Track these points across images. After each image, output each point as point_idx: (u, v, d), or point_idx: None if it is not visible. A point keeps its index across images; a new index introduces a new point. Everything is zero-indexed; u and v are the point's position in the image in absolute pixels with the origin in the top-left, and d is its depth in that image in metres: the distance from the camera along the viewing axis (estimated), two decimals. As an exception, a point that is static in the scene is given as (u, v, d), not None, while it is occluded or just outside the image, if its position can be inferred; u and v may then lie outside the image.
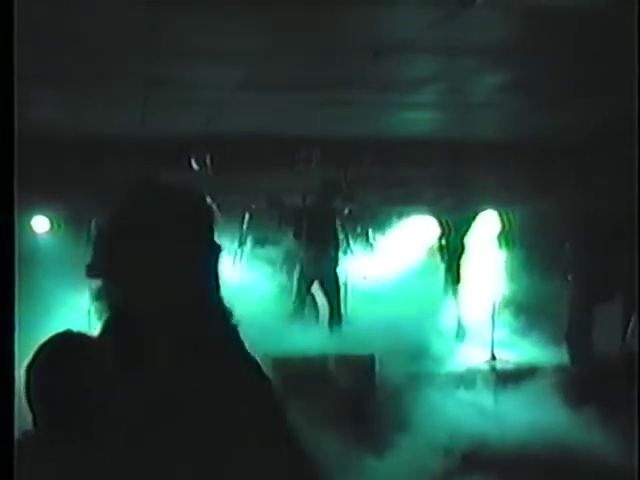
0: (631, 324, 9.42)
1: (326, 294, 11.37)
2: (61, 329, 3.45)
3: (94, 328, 3.54)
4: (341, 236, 11.68)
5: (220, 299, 2.41)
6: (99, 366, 3.00)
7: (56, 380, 3.04)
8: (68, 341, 3.13)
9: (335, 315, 11.31)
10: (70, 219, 11.01)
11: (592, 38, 5.87)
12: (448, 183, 11.58)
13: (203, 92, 8.27)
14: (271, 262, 11.59)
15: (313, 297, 11.36)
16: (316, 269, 11.22)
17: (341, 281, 11.50)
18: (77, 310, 10.05)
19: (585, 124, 8.99)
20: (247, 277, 11.58)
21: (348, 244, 11.73)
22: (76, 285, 10.46)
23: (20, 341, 4.13)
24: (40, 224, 11.05)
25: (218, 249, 2.40)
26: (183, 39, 6.32)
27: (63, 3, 5.35)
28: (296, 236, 11.27)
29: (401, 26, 6.20)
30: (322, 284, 11.36)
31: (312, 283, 11.40)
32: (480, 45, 6.63)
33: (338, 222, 11.66)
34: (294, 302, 11.28)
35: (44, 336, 3.34)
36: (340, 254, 11.54)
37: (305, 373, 9.37)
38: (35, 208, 10.91)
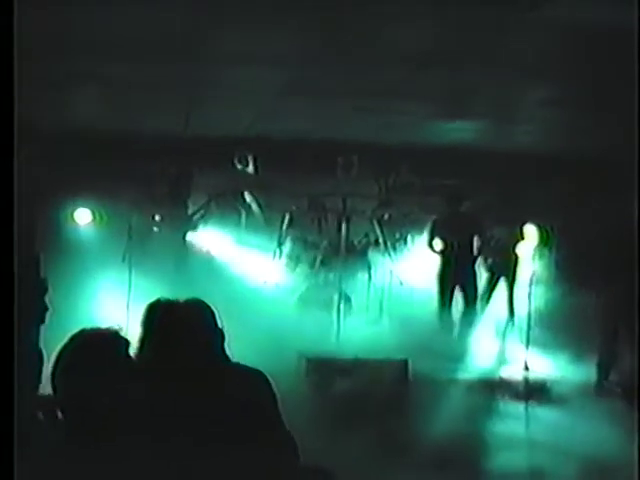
0: None
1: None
2: (94, 322, 3.54)
3: (132, 320, 3.66)
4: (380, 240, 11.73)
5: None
6: (118, 368, 3.14)
7: (74, 380, 3.09)
8: (88, 342, 3.18)
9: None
10: (112, 212, 11.15)
11: (634, 56, 5.86)
12: (486, 194, 11.58)
13: (248, 94, 8.37)
14: (309, 263, 11.66)
15: (346, 294, 11.38)
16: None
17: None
18: (116, 301, 10.27)
19: (628, 141, 8.93)
20: (284, 277, 11.67)
21: (386, 249, 11.77)
22: (115, 276, 10.67)
23: (59, 327, 4.22)
24: (83, 216, 11.19)
25: (221, 334, 3.35)
26: (230, 42, 6.42)
27: (111, 6, 5.45)
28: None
29: (446, 37, 6.23)
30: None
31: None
32: (523, 60, 6.66)
33: (378, 227, 11.72)
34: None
35: (82, 323, 3.41)
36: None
37: (338, 375, 9.43)
38: (79, 201, 11.07)
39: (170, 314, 3.31)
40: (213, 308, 3.40)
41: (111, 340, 3.18)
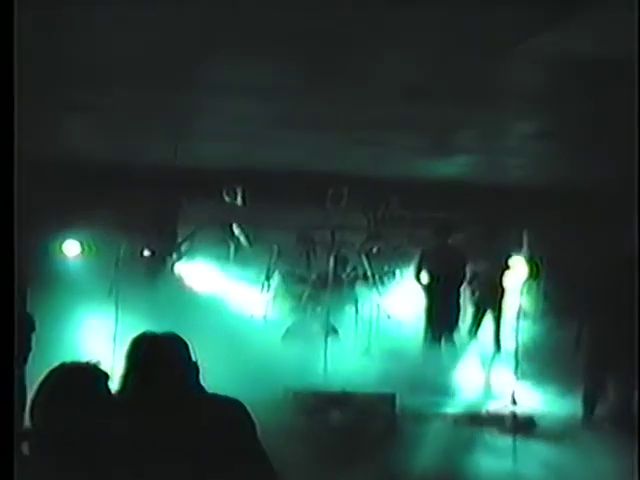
0: None
1: None
2: (79, 356, 3.55)
3: (118, 352, 3.66)
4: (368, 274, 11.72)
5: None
6: (96, 402, 3.16)
7: (52, 414, 3.13)
8: (66, 376, 3.22)
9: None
10: (101, 244, 11.12)
11: (625, 89, 5.89)
12: (477, 227, 11.60)
13: (237, 126, 8.39)
14: (297, 297, 11.62)
15: (334, 328, 11.35)
16: None
17: None
18: (102, 333, 10.21)
19: (617, 174, 8.98)
20: (272, 310, 11.63)
21: (374, 282, 11.75)
22: (102, 308, 10.62)
23: (43, 361, 4.20)
24: (71, 248, 11.15)
25: (196, 367, 3.39)
26: (220, 73, 6.44)
27: (99, 35, 5.46)
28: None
29: (437, 71, 6.26)
30: None
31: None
32: (515, 93, 6.70)
33: (366, 261, 11.70)
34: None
35: (66, 357, 3.42)
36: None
37: (325, 409, 9.37)
38: (66, 232, 11.04)
39: (146, 348, 3.38)
40: (187, 341, 3.46)
41: (90, 374, 3.23)
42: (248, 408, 3.42)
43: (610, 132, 7.64)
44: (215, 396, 3.40)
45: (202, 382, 3.43)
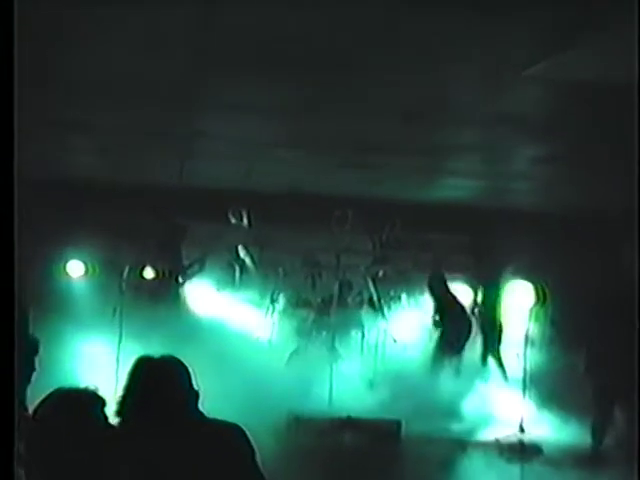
0: None
1: None
2: (78, 378, 3.52)
3: (121, 374, 3.62)
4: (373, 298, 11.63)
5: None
6: (89, 429, 3.07)
7: (46, 440, 3.06)
8: (62, 402, 3.14)
9: None
10: (105, 265, 11.07)
11: (629, 114, 5.83)
12: (481, 251, 11.51)
13: (243, 147, 8.35)
14: (302, 320, 11.52)
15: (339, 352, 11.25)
16: None
17: None
18: (105, 354, 10.14)
19: (620, 198, 8.91)
20: (277, 334, 11.53)
21: (380, 307, 11.66)
22: (106, 330, 10.55)
23: (46, 382, 4.13)
24: (75, 268, 11.11)
25: (195, 392, 3.35)
26: (225, 95, 6.40)
27: (104, 55, 5.42)
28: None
29: (443, 93, 6.22)
30: None
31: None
32: (519, 117, 6.64)
33: (372, 285, 11.62)
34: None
35: (70, 378, 3.39)
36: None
37: (329, 435, 9.27)
38: (71, 253, 10.99)
39: (144, 372, 3.35)
40: (188, 365, 3.43)
41: (86, 400, 3.15)
42: (248, 433, 3.37)
43: (615, 156, 7.57)
44: (215, 421, 3.36)
45: (202, 407, 3.38)
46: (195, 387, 3.37)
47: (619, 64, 5.00)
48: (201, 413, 3.35)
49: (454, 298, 11.62)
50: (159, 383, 3.30)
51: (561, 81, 5.43)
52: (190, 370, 3.40)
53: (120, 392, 3.32)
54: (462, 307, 11.68)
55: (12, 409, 2.89)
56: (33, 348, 7.35)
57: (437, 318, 11.56)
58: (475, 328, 11.74)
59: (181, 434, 3.23)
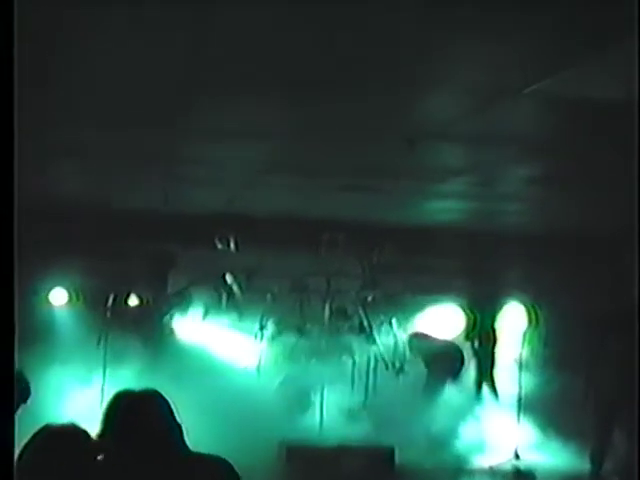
0: None
1: None
2: (62, 411, 3.46)
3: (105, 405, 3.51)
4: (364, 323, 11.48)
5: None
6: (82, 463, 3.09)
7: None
8: (53, 438, 3.17)
9: None
10: (89, 293, 10.92)
11: (624, 132, 5.72)
12: (473, 274, 11.37)
13: (228, 171, 8.21)
14: (291, 347, 11.35)
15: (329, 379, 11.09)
16: None
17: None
18: (90, 385, 9.97)
19: (616, 218, 8.81)
20: (265, 361, 11.34)
21: (371, 332, 11.50)
22: (90, 360, 10.38)
23: (29, 416, 4.03)
24: (58, 297, 10.93)
25: (178, 425, 3.29)
26: (208, 118, 6.26)
27: (86, 78, 5.28)
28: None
29: (432, 115, 6.10)
30: None
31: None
32: (511, 137, 6.52)
33: (362, 310, 11.47)
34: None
35: (53, 413, 3.35)
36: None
37: (321, 463, 9.12)
38: (53, 281, 10.81)
39: (125, 408, 3.27)
40: (168, 399, 3.37)
41: (73, 437, 3.20)
42: (235, 467, 3.32)
43: (613, 176, 7.47)
44: (200, 455, 3.30)
45: (188, 439, 3.31)
46: (178, 420, 3.31)
47: (619, 82, 4.88)
48: (186, 447, 3.28)
49: (439, 342, 11.54)
50: (139, 418, 3.23)
51: (559, 99, 5.29)
52: (171, 403, 3.34)
53: (99, 428, 3.25)
54: (451, 344, 11.58)
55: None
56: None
57: (426, 363, 11.48)
58: (468, 356, 11.60)
59: (165, 469, 3.16)
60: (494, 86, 5.14)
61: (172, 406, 3.32)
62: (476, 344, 11.61)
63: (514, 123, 6.20)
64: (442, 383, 11.21)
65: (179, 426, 3.29)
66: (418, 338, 11.47)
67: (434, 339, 11.52)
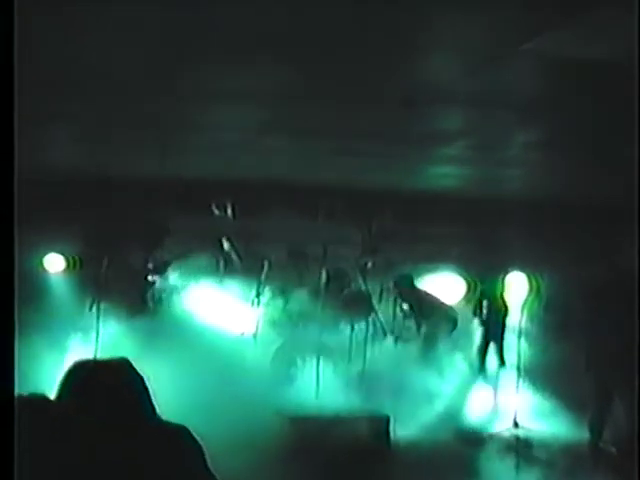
0: None
1: None
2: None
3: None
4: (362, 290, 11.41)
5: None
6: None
7: None
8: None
9: None
10: (86, 258, 10.84)
11: (629, 96, 5.58)
12: (474, 242, 11.25)
13: (224, 135, 8.06)
14: (288, 314, 11.28)
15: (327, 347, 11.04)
16: None
17: None
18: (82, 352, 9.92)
19: (619, 185, 8.69)
20: (262, 328, 11.28)
21: (369, 299, 11.42)
22: (83, 325, 10.33)
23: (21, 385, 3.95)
24: (56, 263, 10.85)
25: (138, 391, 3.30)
26: (203, 81, 6.12)
27: (80, 44, 5.14)
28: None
29: (431, 76, 5.95)
30: None
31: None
32: (513, 100, 6.37)
33: (360, 276, 11.40)
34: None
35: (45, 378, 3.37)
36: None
37: (316, 432, 9.07)
38: (52, 246, 10.71)
39: (87, 375, 3.30)
40: (133, 366, 3.38)
41: (39, 403, 3.20)
42: (194, 434, 3.31)
43: (613, 142, 7.34)
44: (159, 422, 3.31)
45: (156, 409, 3.34)
46: (145, 388, 3.33)
47: (620, 42, 4.74)
48: (152, 416, 3.31)
49: (427, 295, 11.48)
50: (99, 384, 3.26)
51: (559, 60, 5.14)
52: (140, 372, 3.35)
53: (56, 392, 3.27)
54: (446, 304, 11.51)
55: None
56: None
57: (416, 316, 11.41)
58: (468, 323, 11.54)
59: (121, 436, 3.17)
60: (492, 47, 5.00)
61: (139, 375, 3.34)
62: (476, 312, 11.53)
63: (514, 85, 6.05)
64: (434, 341, 11.17)
65: (139, 392, 3.31)
66: (405, 281, 11.38)
67: (429, 294, 11.47)
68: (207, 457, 3.33)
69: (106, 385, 3.24)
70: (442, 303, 11.51)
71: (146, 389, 3.33)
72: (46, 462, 3.04)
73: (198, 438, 3.32)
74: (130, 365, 3.35)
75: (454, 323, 11.41)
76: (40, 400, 3.20)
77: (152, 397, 3.33)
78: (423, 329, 11.34)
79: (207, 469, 3.32)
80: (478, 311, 11.45)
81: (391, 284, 11.60)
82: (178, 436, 3.30)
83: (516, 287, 11.02)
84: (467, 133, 7.70)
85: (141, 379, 3.33)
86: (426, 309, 11.37)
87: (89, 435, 3.14)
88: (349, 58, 5.39)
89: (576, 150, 7.95)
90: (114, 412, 3.19)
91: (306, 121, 7.46)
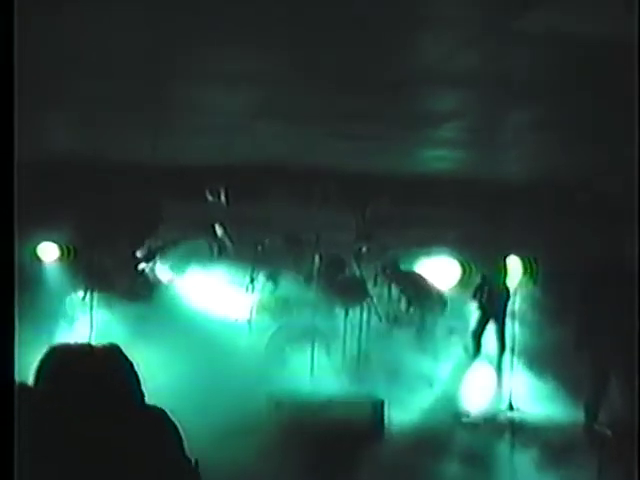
0: None
1: None
2: None
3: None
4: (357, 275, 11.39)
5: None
6: None
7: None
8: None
9: None
10: (79, 246, 10.78)
11: (626, 73, 5.53)
12: (470, 225, 11.22)
13: (218, 120, 8.01)
14: (282, 299, 11.26)
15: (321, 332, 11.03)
16: None
17: None
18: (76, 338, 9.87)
19: (616, 166, 8.64)
20: (256, 314, 11.25)
21: (364, 284, 11.40)
22: (77, 314, 10.30)
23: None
24: (46, 251, 10.79)
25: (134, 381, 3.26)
26: (197, 65, 6.07)
27: (74, 27, 5.09)
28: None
29: (424, 57, 5.89)
30: None
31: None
32: (508, 80, 6.31)
33: (355, 261, 11.37)
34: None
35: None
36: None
37: (311, 417, 9.06)
38: (41, 235, 10.65)
39: (55, 360, 3.24)
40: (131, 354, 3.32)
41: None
42: (171, 416, 3.28)
43: (611, 121, 7.28)
44: (139, 406, 3.27)
45: (144, 395, 3.30)
46: (131, 373, 3.29)
47: (618, 20, 4.68)
48: (137, 401, 3.27)
49: (421, 278, 11.47)
50: (68, 369, 3.20)
51: (554, 37, 5.09)
52: (122, 356, 3.29)
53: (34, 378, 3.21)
54: (432, 285, 11.52)
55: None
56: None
57: (409, 299, 11.41)
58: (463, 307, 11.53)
59: (97, 420, 3.13)
60: (486, 25, 4.95)
61: (128, 360, 3.28)
62: (476, 295, 11.51)
63: (509, 65, 5.99)
64: (427, 324, 11.19)
65: (136, 381, 3.27)
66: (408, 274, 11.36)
67: (422, 277, 11.47)
68: (184, 440, 3.30)
69: (89, 370, 3.18)
70: (434, 286, 11.49)
71: (135, 375, 3.27)
72: (32, 448, 3.01)
73: (178, 422, 3.30)
74: (119, 351, 3.29)
75: (444, 305, 11.42)
76: (21, 387, 3.12)
77: (141, 383, 3.29)
78: (415, 312, 11.32)
79: (183, 451, 3.30)
80: (478, 294, 11.42)
81: (385, 269, 11.57)
82: (158, 419, 3.27)
83: (512, 270, 11.00)
84: (461, 115, 7.64)
85: (130, 365, 3.27)
86: (419, 293, 11.36)
87: (70, 422, 3.09)
88: (344, 41, 5.35)
89: (572, 130, 7.89)
90: (97, 398, 3.15)
91: (300, 105, 7.41)
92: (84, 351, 3.28)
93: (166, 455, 3.21)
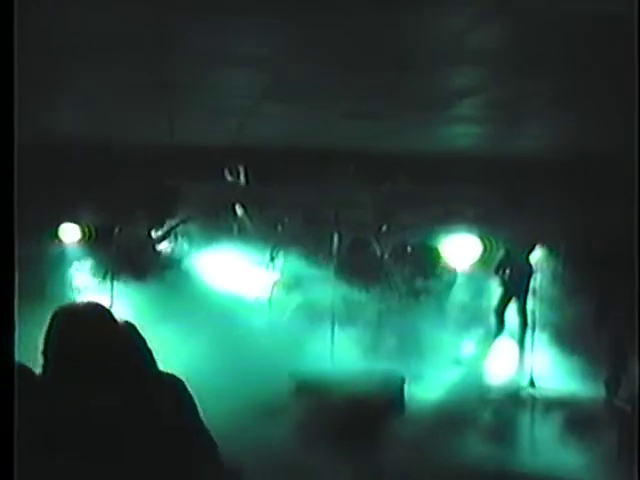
0: None
1: None
2: None
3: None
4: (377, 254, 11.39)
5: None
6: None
7: None
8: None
9: None
10: (99, 227, 10.85)
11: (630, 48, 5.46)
12: (489, 201, 11.18)
13: (233, 100, 8.00)
14: (303, 278, 11.28)
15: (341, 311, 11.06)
16: None
17: None
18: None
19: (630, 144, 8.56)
20: (276, 292, 11.29)
21: (383, 262, 11.41)
22: (97, 294, 10.35)
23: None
24: (71, 232, 10.87)
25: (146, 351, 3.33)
26: (211, 44, 6.05)
27: (82, 8, 5.08)
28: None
29: (442, 35, 5.84)
30: None
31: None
32: (523, 54, 6.26)
33: (374, 240, 11.38)
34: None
35: None
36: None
37: (331, 397, 9.08)
38: (59, 217, 10.72)
39: (65, 321, 3.25)
40: (132, 322, 3.37)
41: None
42: (187, 385, 3.31)
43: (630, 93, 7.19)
44: (155, 373, 3.31)
45: (157, 364, 3.33)
46: (141, 343, 3.33)
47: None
48: (138, 365, 3.29)
49: (440, 256, 11.47)
50: (79, 331, 3.20)
51: (570, 11, 5.05)
52: (134, 330, 3.35)
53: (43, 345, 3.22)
54: (449, 262, 11.52)
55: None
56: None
57: (427, 276, 11.41)
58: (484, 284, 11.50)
59: (113, 386, 3.16)
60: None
61: (141, 337, 3.32)
62: (498, 271, 11.48)
63: (522, 39, 5.94)
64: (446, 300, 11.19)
65: (149, 354, 3.31)
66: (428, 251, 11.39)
67: (442, 255, 11.46)
68: (200, 410, 3.31)
69: (102, 333, 3.18)
70: (454, 264, 11.47)
71: (149, 350, 3.31)
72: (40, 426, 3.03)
73: (198, 402, 3.30)
74: (133, 326, 3.32)
75: (465, 282, 11.41)
76: (23, 369, 3.15)
77: (155, 360, 3.31)
78: (436, 290, 11.32)
79: (200, 421, 3.30)
80: (500, 271, 11.39)
81: (406, 246, 11.57)
82: (172, 385, 3.29)
83: (532, 246, 10.96)
84: (479, 91, 7.59)
85: (144, 341, 3.31)
86: (439, 270, 11.35)
87: (83, 385, 3.10)
88: (359, 20, 5.31)
89: (589, 105, 7.82)
90: (111, 361, 3.15)
91: (317, 85, 7.39)
92: (97, 313, 3.27)
93: (181, 420, 3.21)
